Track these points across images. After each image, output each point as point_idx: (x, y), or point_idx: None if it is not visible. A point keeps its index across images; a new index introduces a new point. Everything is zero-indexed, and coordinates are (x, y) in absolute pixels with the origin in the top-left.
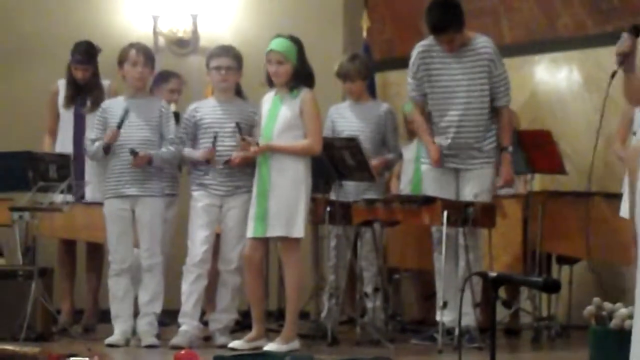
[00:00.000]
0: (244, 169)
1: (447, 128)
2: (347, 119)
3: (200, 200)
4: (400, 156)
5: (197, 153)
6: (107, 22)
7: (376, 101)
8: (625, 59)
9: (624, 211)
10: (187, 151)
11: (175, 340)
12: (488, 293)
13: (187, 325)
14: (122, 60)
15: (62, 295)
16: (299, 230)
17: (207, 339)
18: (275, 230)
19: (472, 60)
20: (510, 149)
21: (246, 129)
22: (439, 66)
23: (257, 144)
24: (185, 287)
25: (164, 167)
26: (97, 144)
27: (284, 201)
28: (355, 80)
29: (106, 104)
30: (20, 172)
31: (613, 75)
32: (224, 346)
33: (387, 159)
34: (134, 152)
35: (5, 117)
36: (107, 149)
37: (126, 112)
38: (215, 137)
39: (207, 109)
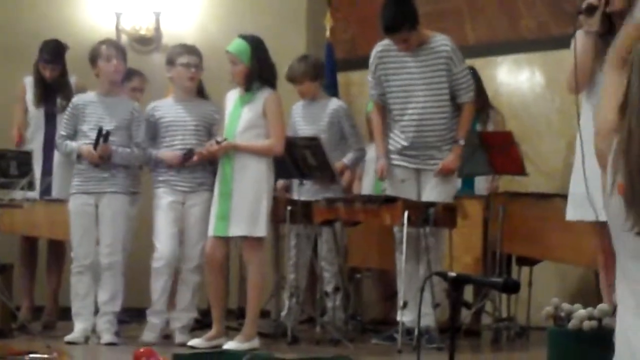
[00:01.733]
0: (205, 167)
1: (407, 127)
2: (301, 119)
3: (164, 198)
4: (361, 152)
5: (166, 155)
6: (69, 19)
7: (329, 99)
8: (592, 12)
9: (571, 214)
10: (155, 153)
11: (146, 337)
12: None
13: (156, 318)
14: (94, 58)
15: (22, 292)
16: (261, 229)
17: (167, 337)
18: (237, 230)
19: (429, 58)
20: (462, 142)
21: (206, 128)
22: (396, 65)
23: (220, 142)
24: (155, 284)
25: (122, 164)
26: (72, 144)
27: (247, 200)
28: (303, 82)
29: (76, 99)
30: None
31: (579, 12)
32: (183, 344)
33: (344, 164)
34: (104, 135)
35: None
36: (79, 157)
37: (100, 132)
38: (189, 150)
39: (167, 108)
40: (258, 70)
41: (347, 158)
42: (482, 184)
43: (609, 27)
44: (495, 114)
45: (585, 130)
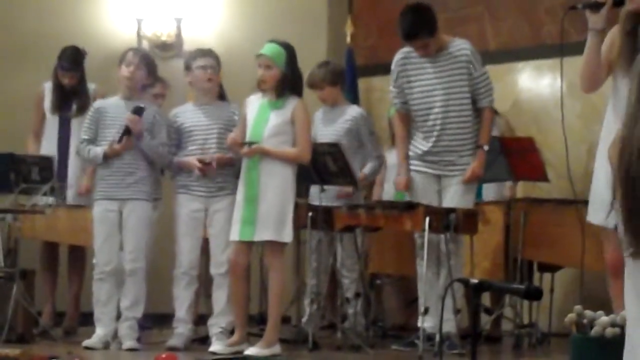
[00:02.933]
0: (226, 170)
1: (429, 132)
2: (320, 125)
3: (184, 206)
4: (379, 159)
5: (184, 162)
6: (91, 25)
7: (349, 106)
8: (597, 9)
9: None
10: (176, 160)
11: (172, 342)
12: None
13: (182, 328)
14: (120, 61)
15: (43, 298)
16: (288, 234)
17: (204, 340)
18: (264, 234)
19: (449, 63)
20: (486, 147)
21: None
22: (416, 72)
23: (249, 144)
24: (177, 292)
25: (149, 156)
26: (96, 149)
27: (274, 205)
28: (323, 88)
29: (98, 103)
30: (2, 174)
31: (572, 7)
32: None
33: (365, 175)
34: (138, 110)
35: None
36: (106, 158)
37: (126, 130)
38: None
39: (188, 113)
40: (291, 77)
41: (367, 168)
42: (490, 191)
43: (634, 26)
44: (499, 118)
45: (606, 136)
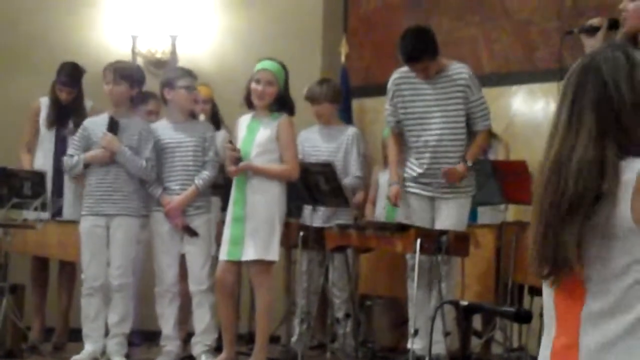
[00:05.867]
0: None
1: (422, 154)
2: (314, 143)
3: (161, 223)
4: (360, 180)
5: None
6: (85, 41)
7: (345, 125)
8: (593, 33)
9: None
10: (158, 193)
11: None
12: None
13: (170, 346)
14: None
15: (33, 313)
16: (274, 253)
17: (185, 358)
18: (250, 254)
19: (447, 86)
20: (469, 163)
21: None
22: (413, 92)
23: (239, 159)
24: (160, 310)
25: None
26: (75, 158)
27: (260, 224)
28: (322, 103)
29: (88, 122)
30: None
31: (568, 32)
32: None
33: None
34: (114, 124)
35: None
36: (87, 166)
37: (112, 120)
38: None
39: (162, 130)
40: (286, 97)
41: (346, 180)
42: (486, 216)
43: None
44: (498, 142)
45: None
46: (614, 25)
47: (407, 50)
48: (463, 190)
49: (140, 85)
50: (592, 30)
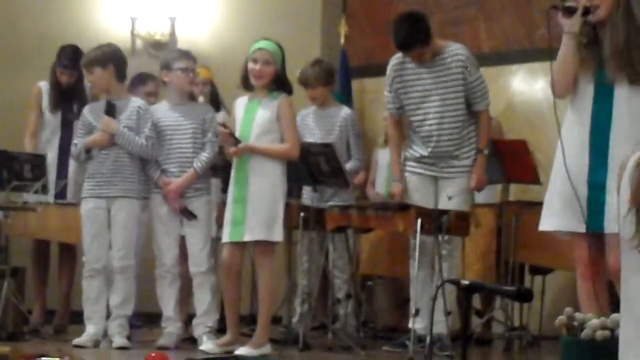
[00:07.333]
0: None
1: (427, 137)
2: (309, 125)
3: (161, 205)
4: (361, 162)
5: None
6: (84, 24)
7: (339, 106)
8: (571, 14)
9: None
10: (157, 176)
11: (162, 341)
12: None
13: (171, 327)
14: None
15: (34, 296)
16: (278, 233)
17: (187, 340)
18: (254, 234)
19: (444, 68)
20: (486, 152)
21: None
22: (412, 77)
23: (237, 143)
24: (161, 292)
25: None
26: (78, 144)
27: (263, 205)
28: (315, 87)
29: (87, 108)
30: None
31: (553, 7)
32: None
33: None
34: (111, 106)
35: None
36: (89, 150)
37: (109, 103)
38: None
39: (162, 112)
40: (283, 76)
41: (348, 164)
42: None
43: (594, 37)
44: (492, 121)
45: (566, 138)
46: (586, 12)
47: (399, 39)
48: (464, 169)
49: (115, 60)
50: (570, 12)
